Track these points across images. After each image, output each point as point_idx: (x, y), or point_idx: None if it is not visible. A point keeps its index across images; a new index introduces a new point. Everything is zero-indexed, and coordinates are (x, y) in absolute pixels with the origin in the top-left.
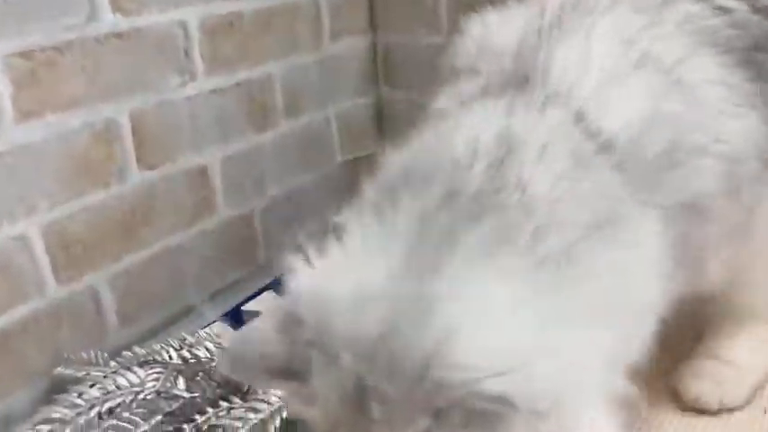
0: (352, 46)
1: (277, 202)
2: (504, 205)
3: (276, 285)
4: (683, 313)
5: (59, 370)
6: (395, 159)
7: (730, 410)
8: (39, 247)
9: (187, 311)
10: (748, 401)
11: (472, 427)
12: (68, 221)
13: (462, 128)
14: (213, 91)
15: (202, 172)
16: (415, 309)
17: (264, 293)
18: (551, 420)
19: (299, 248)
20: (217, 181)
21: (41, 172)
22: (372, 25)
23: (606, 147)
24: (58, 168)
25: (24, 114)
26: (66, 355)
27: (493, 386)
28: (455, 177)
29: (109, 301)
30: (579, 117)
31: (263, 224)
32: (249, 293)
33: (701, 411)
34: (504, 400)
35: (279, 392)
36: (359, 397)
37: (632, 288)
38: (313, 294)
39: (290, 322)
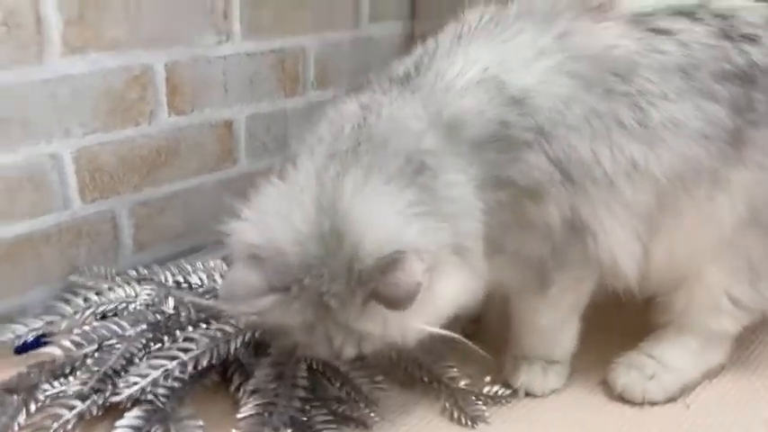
0: (390, 30)
1: None
2: (363, 154)
3: None
4: (622, 314)
5: (73, 277)
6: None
7: (652, 404)
8: (69, 167)
9: (196, 249)
10: (670, 400)
11: (386, 276)
12: (99, 149)
13: (340, 107)
14: (248, 54)
15: (228, 125)
16: (334, 237)
17: None
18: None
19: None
20: (241, 135)
21: (80, 103)
22: (412, 13)
23: (439, 122)
24: (96, 102)
25: (71, 49)
26: (81, 267)
27: (387, 254)
28: (334, 140)
29: (126, 227)
30: (426, 102)
31: None
32: None
33: (625, 401)
34: (399, 252)
35: (245, 320)
36: (320, 300)
37: (460, 203)
38: (264, 239)
39: (255, 262)
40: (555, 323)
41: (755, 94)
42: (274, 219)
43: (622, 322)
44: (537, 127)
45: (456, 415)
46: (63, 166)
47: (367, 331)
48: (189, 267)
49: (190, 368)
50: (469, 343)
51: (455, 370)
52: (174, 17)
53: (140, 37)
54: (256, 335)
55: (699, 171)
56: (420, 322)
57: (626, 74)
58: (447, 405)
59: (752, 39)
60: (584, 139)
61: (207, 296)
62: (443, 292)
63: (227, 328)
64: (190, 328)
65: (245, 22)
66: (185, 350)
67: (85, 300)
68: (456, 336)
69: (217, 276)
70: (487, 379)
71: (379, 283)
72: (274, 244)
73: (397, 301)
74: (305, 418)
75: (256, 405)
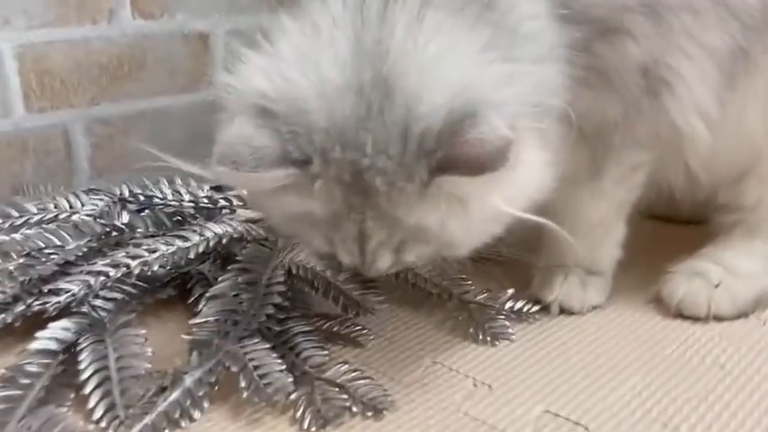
0: None
1: None
2: None
3: None
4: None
5: (17, 198)
6: None
7: (718, 319)
8: (10, 65)
9: None
10: (741, 315)
11: (463, 134)
12: (47, 48)
13: None
14: None
15: (204, 39)
16: (380, 89)
17: None
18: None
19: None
20: (218, 52)
21: None
22: None
23: None
24: None
25: None
26: (26, 187)
27: (460, 106)
28: None
29: (82, 146)
30: None
31: None
32: None
33: (685, 317)
34: (475, 105)
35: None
36: (357, 180)
37: (539, 36)
38: (278, 87)
39: (266, 117)
40: (605, 219)
41: None
42: (293, 63)
43: (672, 237)
44: None
45: (472, 330)
46: (2, 63)
47: (421, 226)
48: (149, 183)
49: (136, 274)
50: (560, 229)
51: (469, 283)
52: None
53: None
54: (223, 241)
55: None
56: (500, 205)
57: None
58: (460, 319)
59: None
60: None
61: (173, 216)
62: (525, 169)
63: (189, 236)
64: (145, 242)
65: None
66: (134, 257)
67: (20, 211)
68: (546, 221)
69: (183, 192)
70: (509, 292)
71: (454, 145)
72: (292, 94)
73: (485, 161)
74: (279, 329)
75: (217, 312)
